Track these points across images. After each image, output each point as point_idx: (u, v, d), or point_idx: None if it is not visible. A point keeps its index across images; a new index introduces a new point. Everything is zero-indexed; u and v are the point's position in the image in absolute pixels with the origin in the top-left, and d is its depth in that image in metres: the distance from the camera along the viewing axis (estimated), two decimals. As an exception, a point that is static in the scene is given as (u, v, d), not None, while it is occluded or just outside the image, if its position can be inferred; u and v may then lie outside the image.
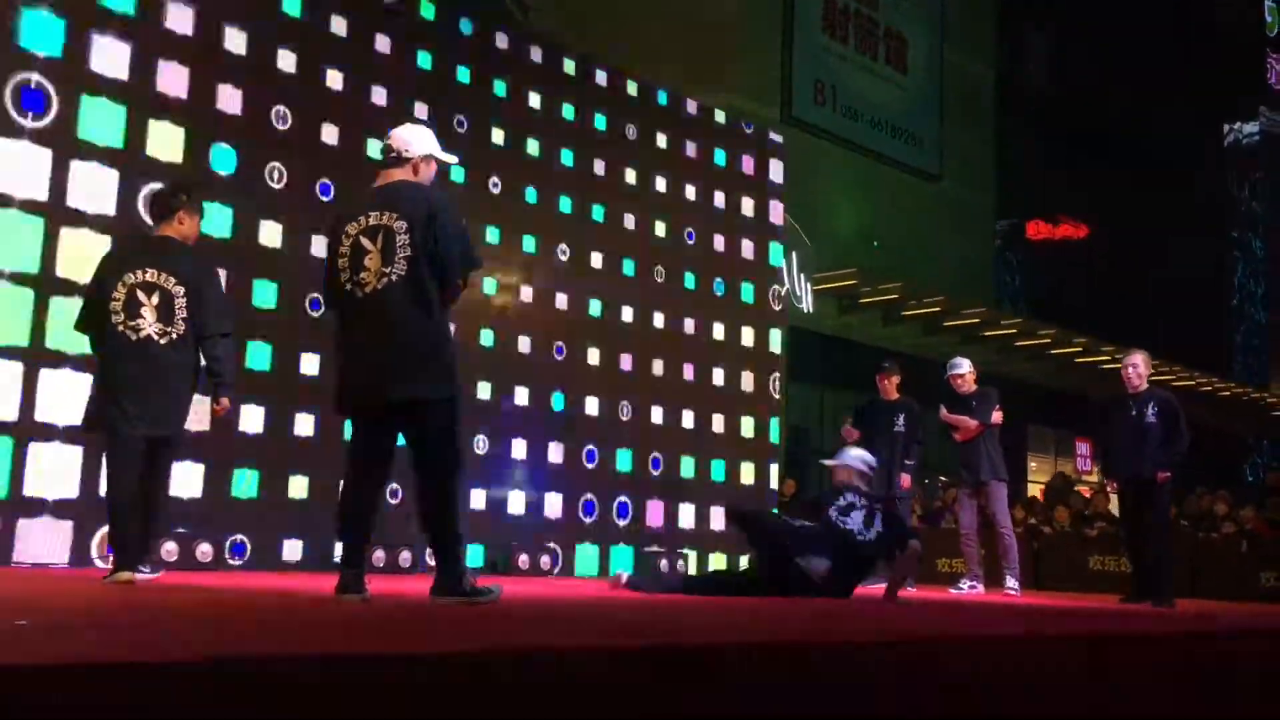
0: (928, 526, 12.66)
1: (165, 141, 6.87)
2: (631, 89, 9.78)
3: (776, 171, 10.81)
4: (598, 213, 9.27)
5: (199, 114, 7.03)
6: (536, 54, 9.11)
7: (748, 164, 10.53)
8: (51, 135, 6.41)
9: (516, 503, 8.51)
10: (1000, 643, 3.46)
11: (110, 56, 6.68)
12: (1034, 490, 19.16)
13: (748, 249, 10.41)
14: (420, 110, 8.11)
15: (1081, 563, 11.67)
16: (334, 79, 7.76)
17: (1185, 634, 4.32)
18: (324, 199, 7.51)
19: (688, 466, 9.67)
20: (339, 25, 7.85)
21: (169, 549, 6.48)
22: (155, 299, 5.09)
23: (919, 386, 9.86)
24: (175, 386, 5.17)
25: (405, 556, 7.58)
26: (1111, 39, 27.18)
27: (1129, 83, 26.95)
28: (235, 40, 7.30)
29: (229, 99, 7.20)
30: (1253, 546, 11.14)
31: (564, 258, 9.00)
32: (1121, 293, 25.98)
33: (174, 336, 5.11)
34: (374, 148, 7.47)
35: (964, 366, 8.98)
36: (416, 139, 4.44)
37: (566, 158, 9.13)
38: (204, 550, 6.72)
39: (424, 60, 8.33)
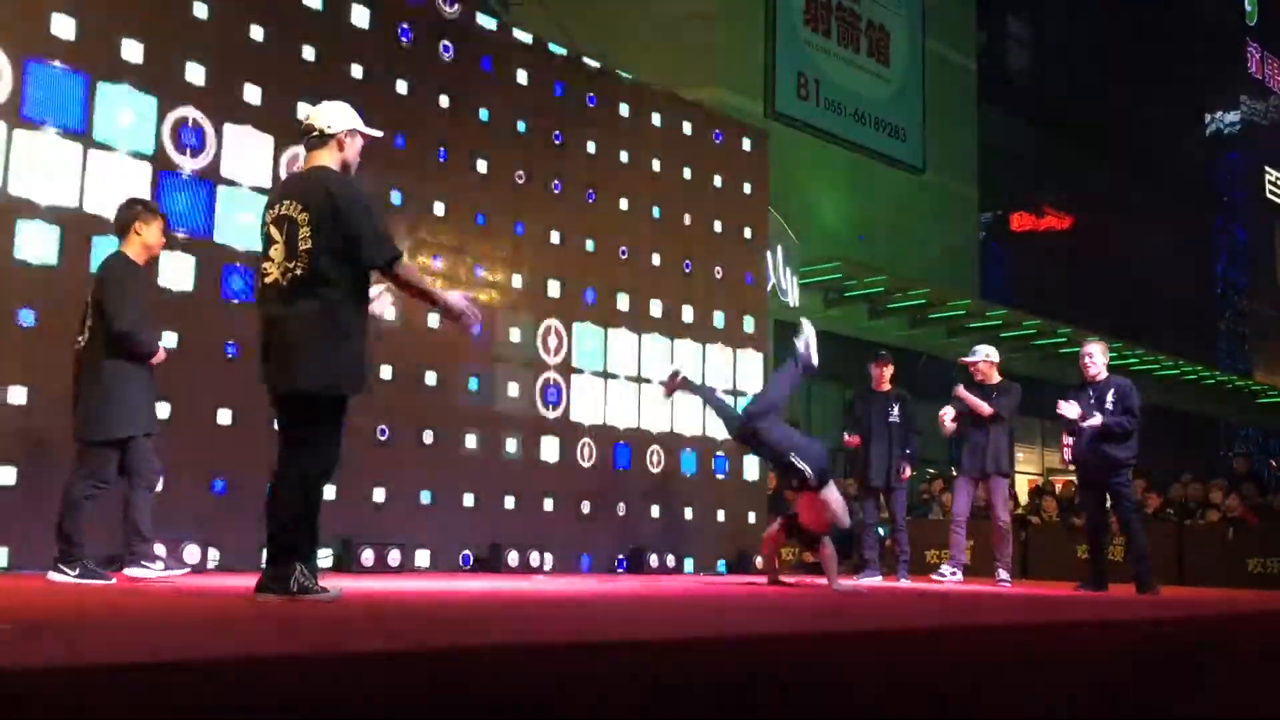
0: (915, 518, 12.67)
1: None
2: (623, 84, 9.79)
3: (760, 166, 10.82)
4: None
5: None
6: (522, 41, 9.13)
7: (732, 162, 10.54)
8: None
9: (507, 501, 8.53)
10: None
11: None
12: (1020, 481, 19.20)
13: (736, 254, 10.42)
14: (402, 86, 8.28)
15: (1069, 552, 11.70)
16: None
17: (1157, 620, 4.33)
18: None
19: (670, 461, 9.67)
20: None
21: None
22: None
23: (905, 378, 9.87)
24: None
25: (394, 555, 7.54)
26: (1092, 29, 27.25)
27: (1110, 73, 27.03)
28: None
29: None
30: (1238, 533, 11.20)
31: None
32: (1106, 283, 26.06)
33: None
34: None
35: (980, 354, 8.85)
36: (337, 114, 4.33)
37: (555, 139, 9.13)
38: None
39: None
